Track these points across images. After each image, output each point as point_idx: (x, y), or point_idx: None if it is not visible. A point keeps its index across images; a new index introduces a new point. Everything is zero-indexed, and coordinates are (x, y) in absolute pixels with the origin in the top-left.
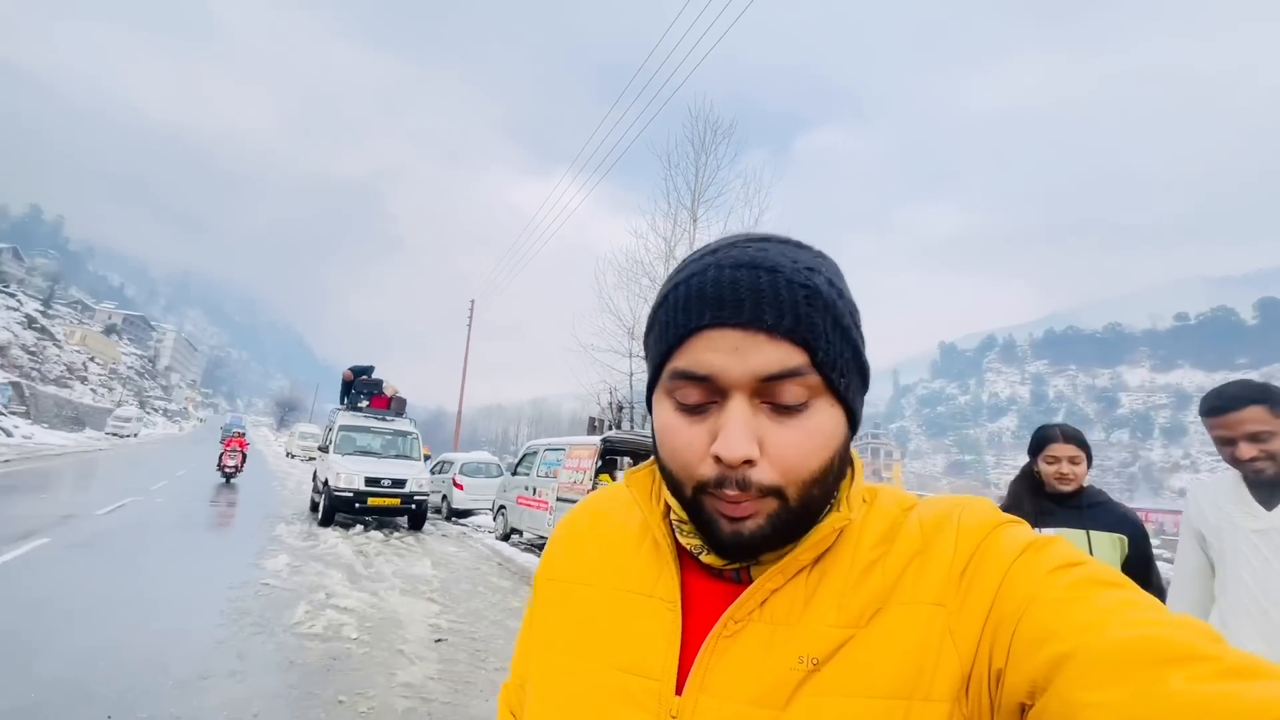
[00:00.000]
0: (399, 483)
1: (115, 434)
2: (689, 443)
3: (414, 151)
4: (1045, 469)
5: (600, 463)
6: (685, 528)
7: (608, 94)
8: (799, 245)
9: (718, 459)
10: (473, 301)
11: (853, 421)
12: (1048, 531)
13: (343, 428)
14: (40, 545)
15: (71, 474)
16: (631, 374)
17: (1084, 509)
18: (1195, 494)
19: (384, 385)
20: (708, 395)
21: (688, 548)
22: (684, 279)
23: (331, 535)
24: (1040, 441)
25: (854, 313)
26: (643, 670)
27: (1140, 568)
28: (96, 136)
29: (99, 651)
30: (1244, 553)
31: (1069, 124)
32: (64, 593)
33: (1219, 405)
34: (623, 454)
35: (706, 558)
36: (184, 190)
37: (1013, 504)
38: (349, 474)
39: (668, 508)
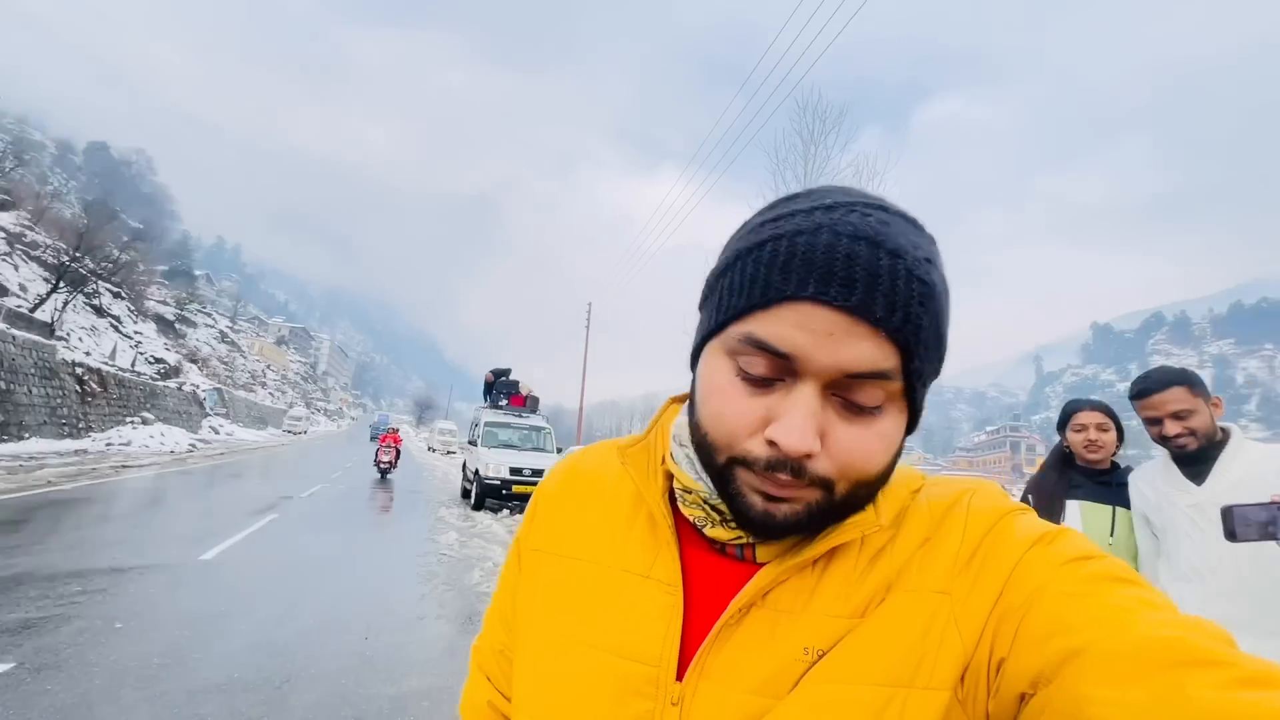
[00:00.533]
0: (537, 472)
1: (290, 431)
2: (742, 414)
3: (529, 161)
4: (1074, 438)
5: None
6: (689, 497)
7: (716, 90)
8: (916, 225)
9: (772, 443)
10: (590, 304)
11: (912, 428)
12: (1072, 503)
13: (487, 424)
14: (273, 519)
15: (270, 464)
16: None
17: (1113, 486)
18: (1135, 481)
19: (520, 385)
20: (778, 371)
21: (690, 519)
22: (788, 232)
23: (485, 518)
24: (1067, 414)
25: (948, 317)
26: (641, 656)
27: None
28: (262, 173)
29: (343, 596)
30: (1183, 527)
31: (1248, 68)
32: (305, 553)
33: (1145, 388)
34: None
35: (712, 531)
36: (332, 214)
37: (1040, 477)
38: (495, 464)
39: (669, 478)
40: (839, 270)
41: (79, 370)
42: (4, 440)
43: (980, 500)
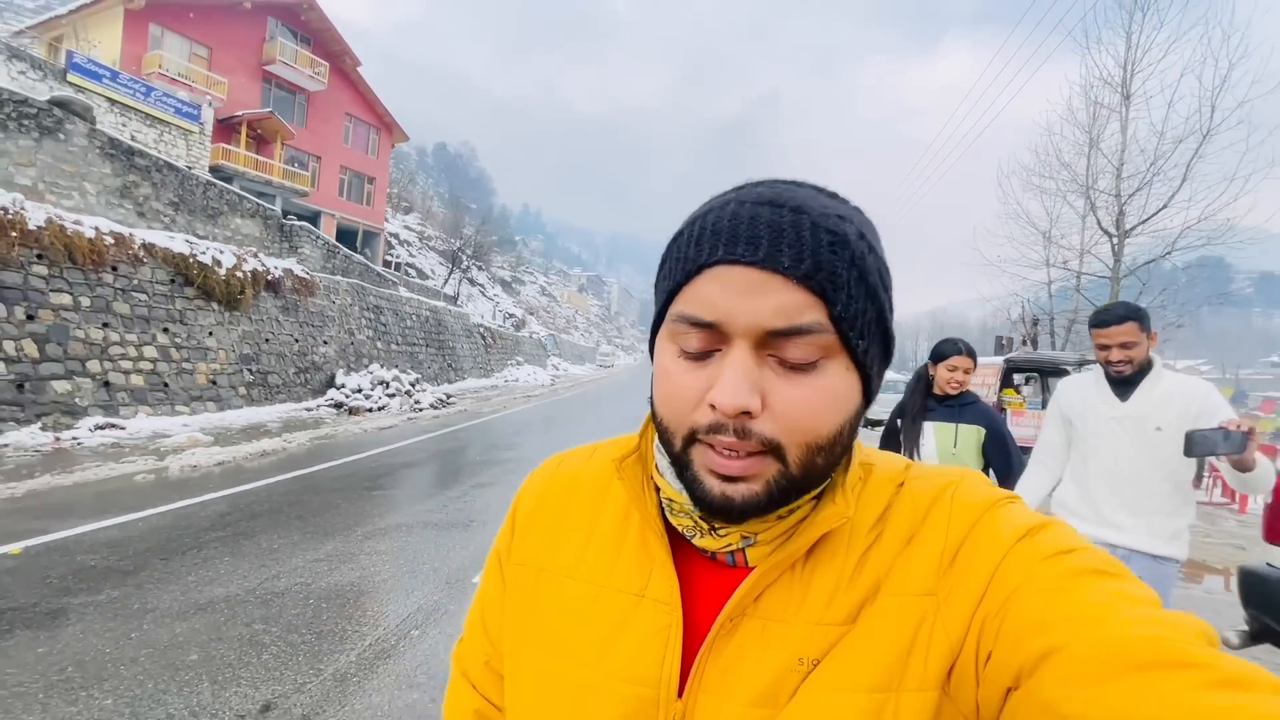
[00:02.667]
0: None
1: (602, 365)
2: (685, 388)
3: (785, 72)
4: (945, 375)
5: (1001, 382)
6: (675, 506)
7: None
8: (834, 195)
9: (714, 407)
10: None
11: (868, 392)
12: (928, 424)
13: None
14: None
15: (607, 393)
16: (1050, 283)
17: (957, 408)
18: (1064, 387)
19: None
20: (711, 342)
21: (679, 529)
22: (700, 214)
23: None
24: (944, 353)
25: (884, 274)
26: (640, 679)
27: (998, 448)
28: (549, 138)
29: None
30: (1104, 434)
31: None
32: None
33: (1105, 320)
34: (1028, 372)
35: (701, 541)
36: (607, 165)
37: (906, 402)
38: None
39: (657, 490)
40: (743, 232)
41: (479, 329)
42: (452, 380)
43: (964, 494)
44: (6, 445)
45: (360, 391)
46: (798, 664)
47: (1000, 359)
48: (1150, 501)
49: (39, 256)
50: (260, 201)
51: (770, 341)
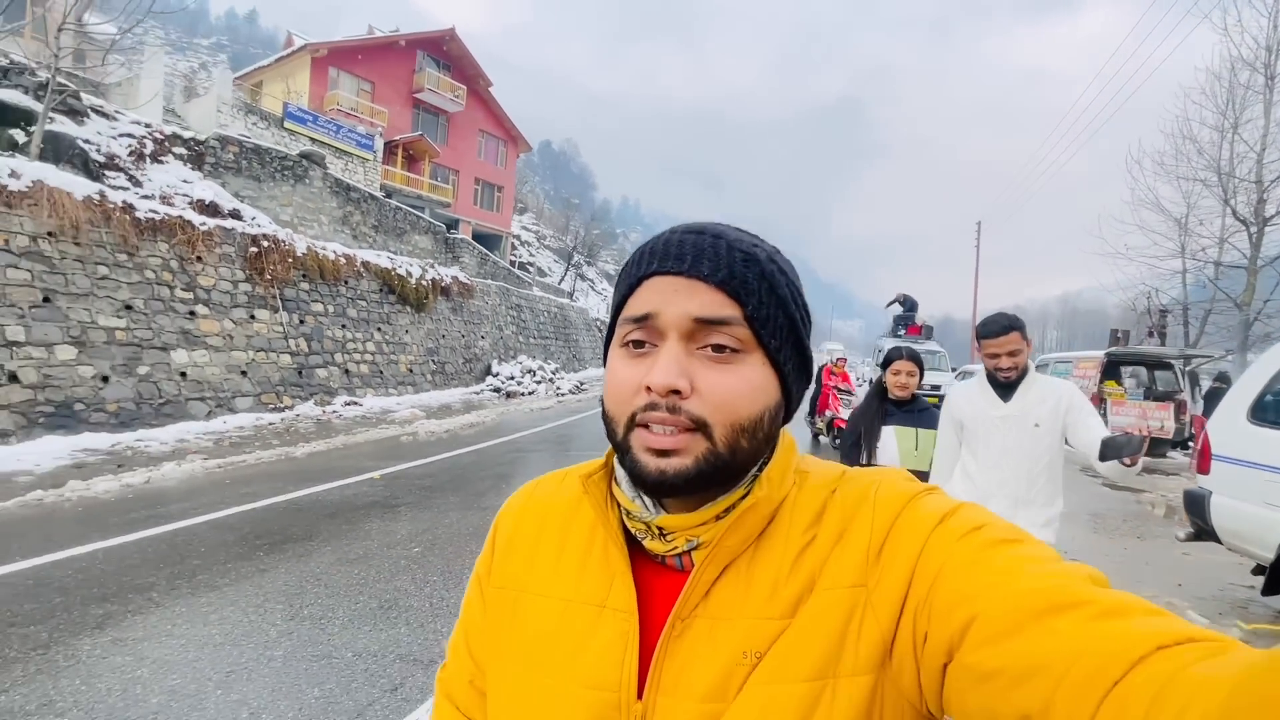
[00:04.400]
0: (935, 388)
1: None
2: (626, 379)
3: (891, 43)
4: (891, 380)
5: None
6: (632, 512)
7: None
8: (755, 236)
9: (650, 389)
10: (979, 224)
11: (787, 394)
12: (887, 429)
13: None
14: None
15: None
16: (1184, 271)
17: (915, 412)
18: (954, 395)
19: (915, 318)
20: (649, 336)
21: (634, 532)
22: (643, 244)
23: None
24: (890, 359)
25: (795, 292)
26: (603, 684)
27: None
28: (646, 130)
29: None
30: (992, 431)
31: None
32: None
33: (994, 330)
34: (1130, 365)
35: (650, 544)
36: (706, 152)
37: (863, 409)
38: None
39: (619, 507)
40: (674, 251)
41: (596, 322)
42: (577, 369)
43: (885, 490)
44: (299, 415)
45: (513, 378)
46: (743, 658)
47: (1101, 353)
48: (1029, 491)
49: (303, 275)
50: (431, 220)
51: (697, 333)
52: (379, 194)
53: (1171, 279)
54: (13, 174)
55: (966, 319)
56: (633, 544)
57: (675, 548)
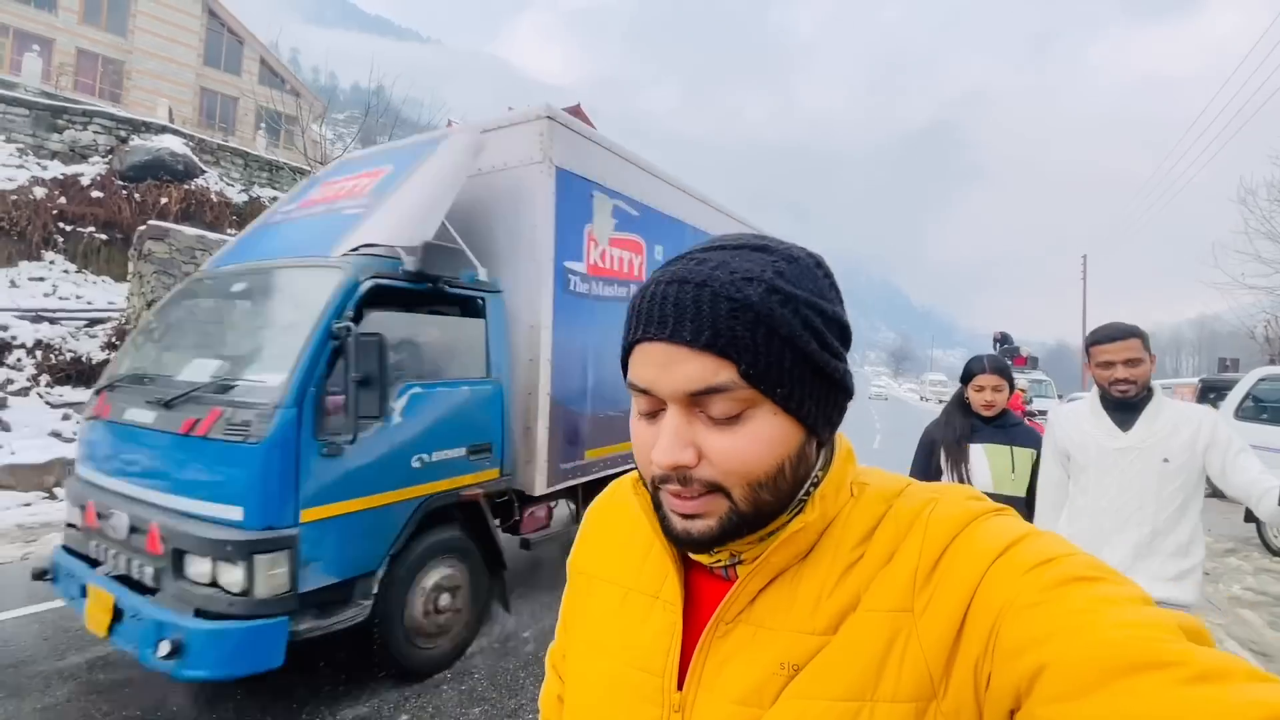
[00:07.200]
0: (1043, 413)
1: None
2: (643, 444)
3: (986, 63)
4: (974, 397)
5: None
6: None
7: None
8: (761, 249)
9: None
10: (1085, 257)
11: (811, 426)
12: (976, 446)
13: None
14: None
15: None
16: None
17: (1007, 428)
18: (1059, 420)
19: (1020, 349)
20: (655, 404)
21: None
22: (637, 293)
23: None
24: (971, 372)
25: (809, 315)
26: (650, 667)
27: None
28: (737, 166)
29: None
30: (1107, 467)
31: None
32: None
33: (1110, 335)
34: (1226, 391)
35: (695, 555)
36: (793, 186)
37: (944, 422)
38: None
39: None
40: (655, 312)
41: None
42: None
43: (942, 510)
44: None
45: None
46: (780, 668)
47: (1196, 379)
48: (1155, 540)
49: None
50: None
51: (696, 401)
52: None
53: None
54: None
55: (1079, 346)
56: None
57: (719, 560)
